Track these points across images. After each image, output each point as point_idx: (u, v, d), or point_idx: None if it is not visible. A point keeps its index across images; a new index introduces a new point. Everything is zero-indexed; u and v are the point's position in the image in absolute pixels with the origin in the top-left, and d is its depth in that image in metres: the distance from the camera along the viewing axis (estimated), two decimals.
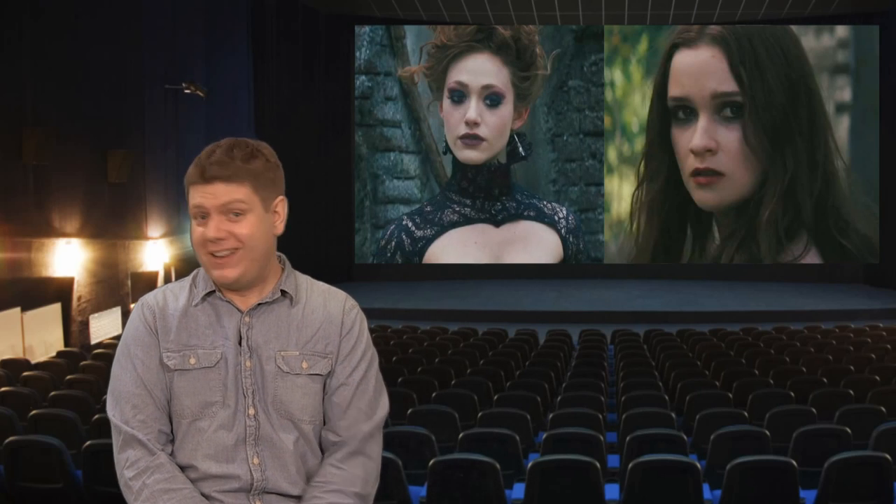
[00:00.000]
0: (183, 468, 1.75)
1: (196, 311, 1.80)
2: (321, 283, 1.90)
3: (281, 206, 1.82)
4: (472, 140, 13.15)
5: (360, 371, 1.83)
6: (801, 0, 17.06)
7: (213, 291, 1.80)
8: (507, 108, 13.26)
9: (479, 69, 13.31)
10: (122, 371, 1.78)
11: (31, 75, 9.91)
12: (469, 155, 13.34)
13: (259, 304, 1.80)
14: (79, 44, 10.73)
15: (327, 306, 1.84)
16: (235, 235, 1.74)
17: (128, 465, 1.73)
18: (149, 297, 1.84)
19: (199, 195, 1.74)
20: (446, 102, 13.33)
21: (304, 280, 1.88)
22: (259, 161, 1.77)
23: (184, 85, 13.18)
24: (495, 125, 13.22)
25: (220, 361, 1.76)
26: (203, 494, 1.73)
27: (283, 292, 1.82)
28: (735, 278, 17.80)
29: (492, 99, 13.16)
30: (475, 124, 13.05)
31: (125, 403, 1.75)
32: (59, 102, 10.43)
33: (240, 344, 1.77)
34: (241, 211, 1.74)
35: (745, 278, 17.80)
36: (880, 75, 17.20)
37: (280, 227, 1.83)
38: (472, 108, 13.09)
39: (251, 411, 1.75)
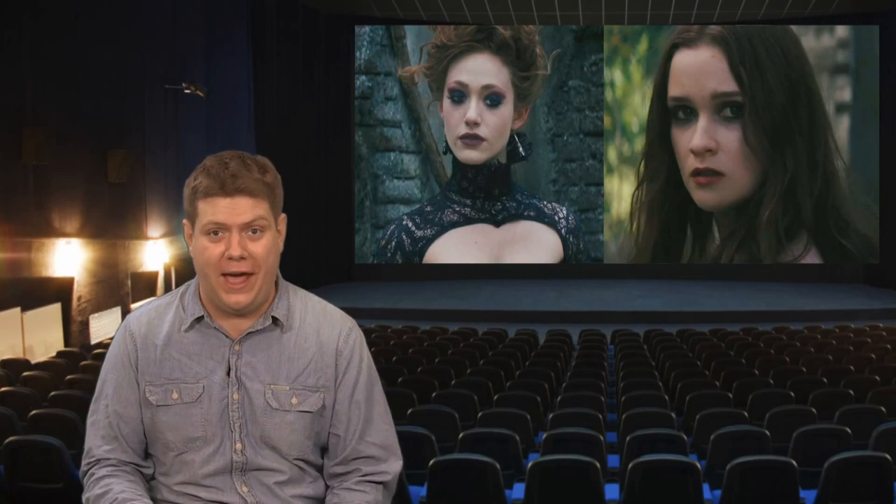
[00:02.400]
0: (175, 493, 1.73)
1: (182, 339, 1.71)
2: (316, 302, 1.81)
3: (283, 223, 1.75)
4: (472, 140, 13.13)
5: (359, 398, 1.77)
6: (801, 0, 17.05)
7: (202, 317, 1.72)
8: (507, 109, 13.21)
9: (480, 69, 13.28)
10: (98, 396, 1.75)
11: (31, 75, 9.91)
12: (469, 155, 13.31)
13: (249, 333, 1.71)
14: (79, 44, 10.73)
15: (320, 334, 1.75)
16: (254, 255, 1.65)
17: (88, 482, 1.72)
18: (132, 322, 1.76)
19: (220, 210, 1.62)
20: (446, 102, 13.31)
21: (298, 300, 1.78)
22: (271, 175, 1.69)
23: (184, 85, 13.18)
24: (495, 125, 13.19)
25: (203, 395, 1.69)
26: None
27: (275, 319, 1.73)
28: (735, 278, 17.80)
29: (492, 99, 13.10)
30: (475, 124, 12.99)
31: (95, 432, 1.73)
32: (59, 102, 10.43)
33: (228, 374, 1.70)
34: (262, 228, 1.66)
35: (745, 278, 17.80)
36: (880, 75, 17.20)
37: (281, 245, 1.74)
38: (472, 107, 13.04)
39: (238, 446, 1.70)
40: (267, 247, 1.67)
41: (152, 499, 1.73)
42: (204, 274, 1.67)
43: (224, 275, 1.65)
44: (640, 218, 13.33)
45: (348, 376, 1.75)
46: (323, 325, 1.76)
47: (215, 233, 1.64)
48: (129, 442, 1.72)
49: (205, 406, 1.69)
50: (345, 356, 1.76)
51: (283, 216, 1.74)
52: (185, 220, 1.71)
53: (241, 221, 1.63)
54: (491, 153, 13.36)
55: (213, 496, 1.71)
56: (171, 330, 1.72)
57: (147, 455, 1.76)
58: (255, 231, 1.65)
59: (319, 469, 1.80)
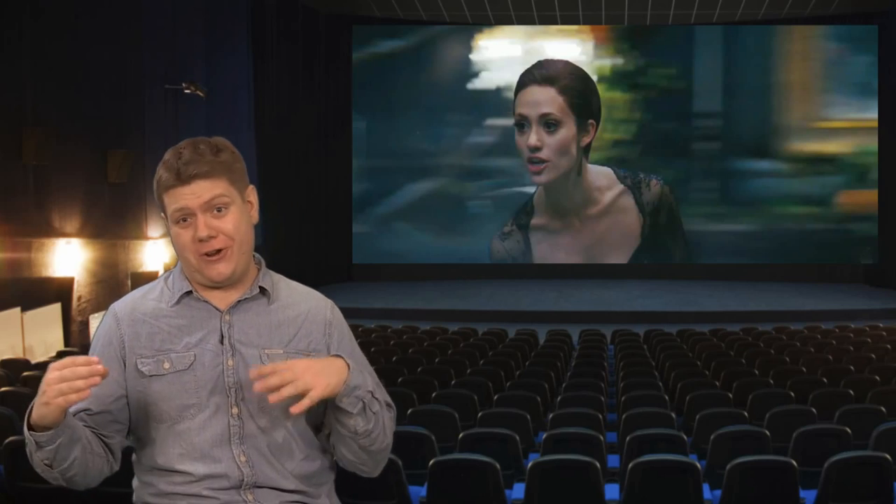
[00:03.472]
0: (167, 472, 1.73)
1: (170, 313, 1.77)
2: (297, 284, 1.90)
3: (253, 194, 1.82)
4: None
5: (354, 355, 1.81)
6: (801, 0, 17.04)
7: (190, 292, 1.78)
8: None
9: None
10: None
11: (31, 75, 9.91)
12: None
13: (238, 302, 1.78)
14: (79, 44, 10.73)
15: (307, 302, 1.84)
16: (223, 231, 1.73)
17: None
18: (116, 305, 1.82)
19: (181, 197, 1.72)
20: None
21: (280, 279, 1.87)
22: (226, 153, 1.76)
23: (184, 85, 13.18)
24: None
25: (195, 363, 1.73)
26: (193, 494, 1.72)
27: (262, 289, 1.80)
28: (735, 278, 17.80)
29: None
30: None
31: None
32: (59, 102, 10.43)
33: (221, 342, 1.75)
34: (225, 205, 1.74)
35: (745, 278, 17.80)
36: (880, 75, 17.21)
37: (255, 215, 1.82)
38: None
39: (234, 410, 1.73)
40: (234, 221, 1.75)
41: (141, 482, 1.77)
42: (184, 258, 1.77)
43: (201, 254, 1.74)
44: None
45: (336, 339, 1.84)
46: (307, 298, 1.86)
47: (184, 219, 1.74)
48: (99, 417, 1.74)
49: (197, 373, 1.73)
50: (334, 325, 1.85)
51: (250, 187, 1.81)
52: (161, 214, 1.81)
53: (200, 202, 1.72)
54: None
55: (209, 469, 1.71)
56: (158, 306, 1.78)
57: (123, 435, 1.78)
58: (218, 209, 1.74)
59: (313, 447, 1.81)
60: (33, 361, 8.52)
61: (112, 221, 11.74)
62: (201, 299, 1.78)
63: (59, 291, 10.39)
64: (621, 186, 17.26)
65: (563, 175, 16.67)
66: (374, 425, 1.73)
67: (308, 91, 17.47)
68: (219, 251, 1.74)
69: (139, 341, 1.76)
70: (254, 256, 1.85)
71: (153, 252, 12.76)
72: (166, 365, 1.73)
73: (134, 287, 9.79)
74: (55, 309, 10.19)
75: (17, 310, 9.34)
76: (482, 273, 18.08)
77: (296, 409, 1.63)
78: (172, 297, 1.78)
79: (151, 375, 1.73)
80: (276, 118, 16.44)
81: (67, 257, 10.53)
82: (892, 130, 16.92)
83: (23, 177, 9.87)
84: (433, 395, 6.45)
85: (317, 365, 1.67)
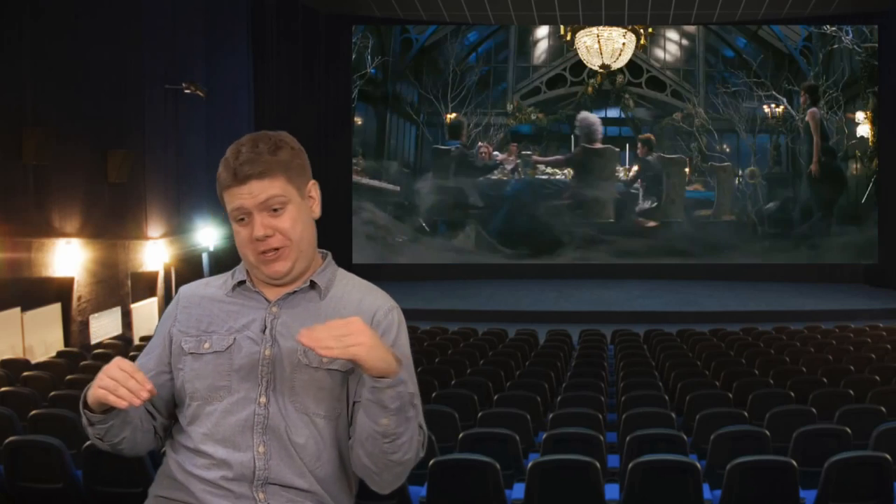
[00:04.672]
0: (193, 452, 1.76)
1: (225, 299, 1.83)
2: (366, 283, 1.88)
3: (314, 189, 1.84)
4: None
5: (406, 361, 1.75)
6: (801, 0, 17.04)
7: (244, 281, 1.83)
8: None
9: None
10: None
11: (31, 75, 9.91)
12: None
13: (287, 295, 1.80)
14: (79, 44, 10.72)
15: (363, 302, 1.81)
16: (280, 230, 1.75)
17: None
18: (183, 287, 1.93)
19: (237, 197, 1.74)
20: None
21: (345, 276, 1.87)
22: (285, 151, 1.78)
23: (184, 85, 13.17)
24: None
25: (232, 346, 1.77)
26: (210, 481, 1.73)
27: (313, 283, 1.82)
28: (735, 278, 17.80)
29: None
30: None
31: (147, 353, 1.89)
32: (59, 102, 10.43)
33: (263, 332, 1.77)
34: (281, 204, 1.76)
35: (745, 278, 17.80)
36: (880, 75, 17.22)
37: (317, 210, 1.85)
38: None
39: (262, 399, 1.74)
40: (291, 219, 1.77)
41: (169, 455, 1.81)
42: (243, 254, 1.81)
43: (259, 253, 1.77)
44: None
45: (383, 339, 1.73)
46: (367, 297, 1.83)
47: (242, 218, 1.76)
48: (156, 370, 1.85)
49: (234, 357, 1.77)
50: (383, 325, 1.80)
51: (312, 182, 1.84)
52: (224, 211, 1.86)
53: (256, 202, 1.74)
54: None
55: (228, 455, 1.72)
56: (216, 292, 1.86)
57: (165, 415, 1.86)
58: (275, 209, 1.75)
59: (341, 455, 1.77)
60: (33, 361, 8.53)
61: (112, 221, 11.74)
62: (253, 289, 1.82)
63: (59, 291, 10.39)
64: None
65: None
66: (403, 430, 1.68)
67: (308, 91, 17.47)
68: (276, 249, 1.76)
69: (189, 321, 1.83)
70: (320, 252, 1.88)
71: (153, 252, 12.76)
72: (206, 345, 1.79)
73: (134, 287, 9.76)
74: (55, 309, 10.19)
75: (17, 310, 9.34)
76: (482, 273, 18.08)
77: (325, 351, 1.59)
78: (229, 287, 1.84)
79: (190, 353, 1.79)
80: (276, 118, 16.44)
81: (67, 257, 10.53)
82: (892, 130, 16.92)
83: (23, 177, 9.87)
84: (433, 395, 6.45)
85: (373, 337, 1.63)
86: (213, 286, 1.87)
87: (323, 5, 17.65)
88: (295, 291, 1.81)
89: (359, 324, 1.62)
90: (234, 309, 1.81)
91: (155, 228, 12.91)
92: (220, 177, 1.76)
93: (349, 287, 1.84)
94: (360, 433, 1.71)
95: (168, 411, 1.85)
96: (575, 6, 17.29)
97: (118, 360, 1.66)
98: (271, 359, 1.76)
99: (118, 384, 1.63)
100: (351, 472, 1.81)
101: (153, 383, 1.73)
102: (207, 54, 14.68)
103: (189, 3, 14.02)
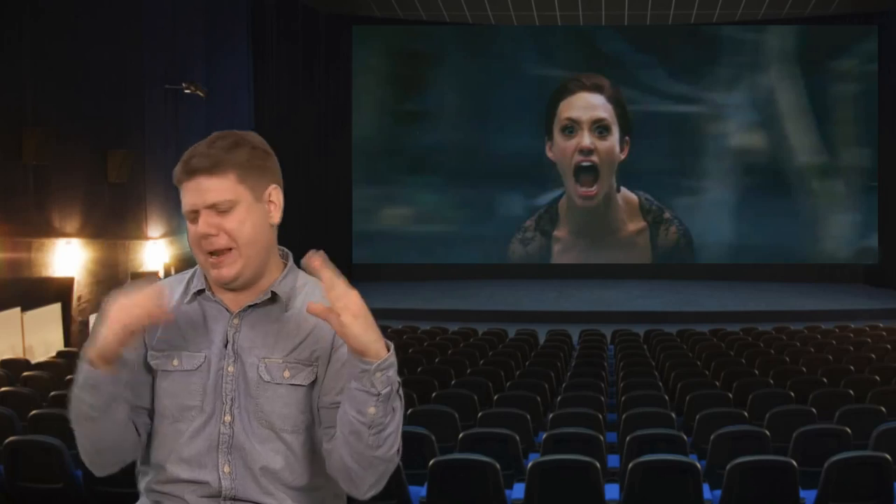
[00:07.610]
0: (156, 468, 1.72)
1: (186, 309, 1.74)
2: None
3: (275, 194, 1.72)
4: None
5: None
6: (801, 0, 17.04)
7: (203, 290, 1.74)
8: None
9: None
10: None
11: (31, 75, 9.91)
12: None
13: (248, 307, 1.72)
14: (79, 44, 10.72)
15: None
16: (226, 230, 1.66)
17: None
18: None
19: (187, 193, 1.67)
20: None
21: (308, 281, 1.76)
22: (243, 150, 1.69)
23: (184, 85, 13.17)
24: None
25: (203, 365, 1.70)
26: (179, 497, 1.69)
27: (274, 295, 1.72)
28: (735, 278, 17.79)
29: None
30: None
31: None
32: (59, 102, 10.43)
33: (225, 347, 1.70)
34: (228, 203, 1.67)
35: (745, 278, 17.80)
36: (880, 75, 17.21)
37: (276, 216, 1.73)
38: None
39: (227, 418, 1.68)
40: (239, 220, 1.67)
41: (140, 471, 1.76)
42: (195, 255, 1.72)
43: (208, 253, 1.68)
44: None
45: (344, 349, 1.67)
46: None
47: (193, 214, 1.68)
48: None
49: (204, 376, 1.70)
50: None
51: (273, 186, 1.73)
52: None
53: (203, 199, 1.66)
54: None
55: (193, 474, 1.68)
56: (179, 301, 1.75)
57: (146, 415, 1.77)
58: (222, 208, 1.67)
59: (316, 467, 1.73)
60: (33, 361, 8.52)
61: (112, 221, 11.73)
62: (213, 299, 1.74)
63: (59, 291, 10.39)
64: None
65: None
66: (389, 420, 1.61)
67: (308, 91, 17.47)
68: (223, 251, 1.67)
69: (155, 332, 1.73)
70: (281, 251, 1.79)
71: (153, 252, 12.76)
72: (174, 363, 1.71)
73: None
74: (55, 309, 10.19)
75: (17, 310, 9.34)
76: (482, 273, 18.08)
77: (315, 307, 1.58)
78: (188, 294, 1.75)
79: (159, 371, 1.72)
80: (276, 118, 16.43)
81: (67, 257, 10.53)
82: (892, 130, 16.92)
83: (23, 177, 9.87)
84: (433, 395, 6.45)
85: (368, 315, 1.59)
86: (176, 292, 1.76)
87: (323, 5, 17.65)
88: (256, 304, 1.72)
89: (356, 297, 1.58)
90: (198, 321, 1.72)
91: (155, 228, 12.91)
92: (174, 171, 1.69)
93: (312, 296, 1.71)
94: (343, 430, 1.63)
95: (147, 412, 1.76)
96: (575, 6, 17.29)
97: (119, 297, 1.62)
98: (234, 375, 1.69)
99: (134, 304, 1.59)
100: (332, 481, 1.72)
101: (136, 378, 1.71)
102: (207, 54, 14.68)
103: (189, 3, 14.01)
